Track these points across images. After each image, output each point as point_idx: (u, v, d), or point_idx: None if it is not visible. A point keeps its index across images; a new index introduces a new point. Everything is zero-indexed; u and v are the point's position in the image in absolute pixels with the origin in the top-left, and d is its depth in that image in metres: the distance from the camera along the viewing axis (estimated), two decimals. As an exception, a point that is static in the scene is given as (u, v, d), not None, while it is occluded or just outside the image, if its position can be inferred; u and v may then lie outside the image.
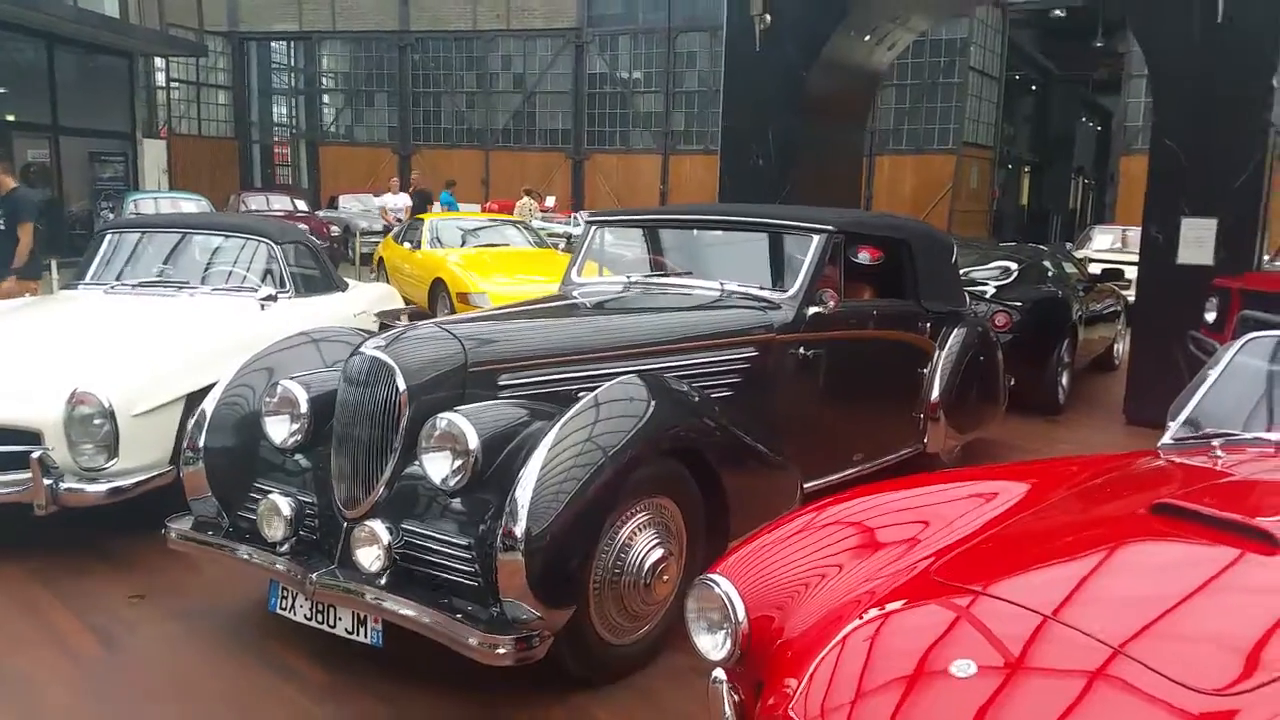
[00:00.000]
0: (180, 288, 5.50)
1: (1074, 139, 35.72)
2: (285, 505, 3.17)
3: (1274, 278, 6.81)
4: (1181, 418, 3.17)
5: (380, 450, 3.11)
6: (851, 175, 10.22)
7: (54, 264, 8.92)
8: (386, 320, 5.33)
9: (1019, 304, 7.45)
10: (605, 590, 3.02)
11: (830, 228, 4.41)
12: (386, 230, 15.04)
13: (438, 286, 10.02)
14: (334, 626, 3.09)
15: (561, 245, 13.97)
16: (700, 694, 2.22)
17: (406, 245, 11.69)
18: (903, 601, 2.07)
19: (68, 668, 3.23)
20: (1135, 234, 14.32)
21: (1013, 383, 6.02)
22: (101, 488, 3.95)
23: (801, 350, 4.26)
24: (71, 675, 3.19)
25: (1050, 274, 8.44)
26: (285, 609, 3.21)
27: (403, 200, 16.81)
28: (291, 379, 3.40)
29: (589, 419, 2.95)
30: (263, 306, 5.37)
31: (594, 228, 5.05)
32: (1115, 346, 9.64)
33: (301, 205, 20.20)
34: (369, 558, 2.96)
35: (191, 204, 16.31)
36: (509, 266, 10.23)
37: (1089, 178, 36.56)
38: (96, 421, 3.96)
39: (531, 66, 25.52)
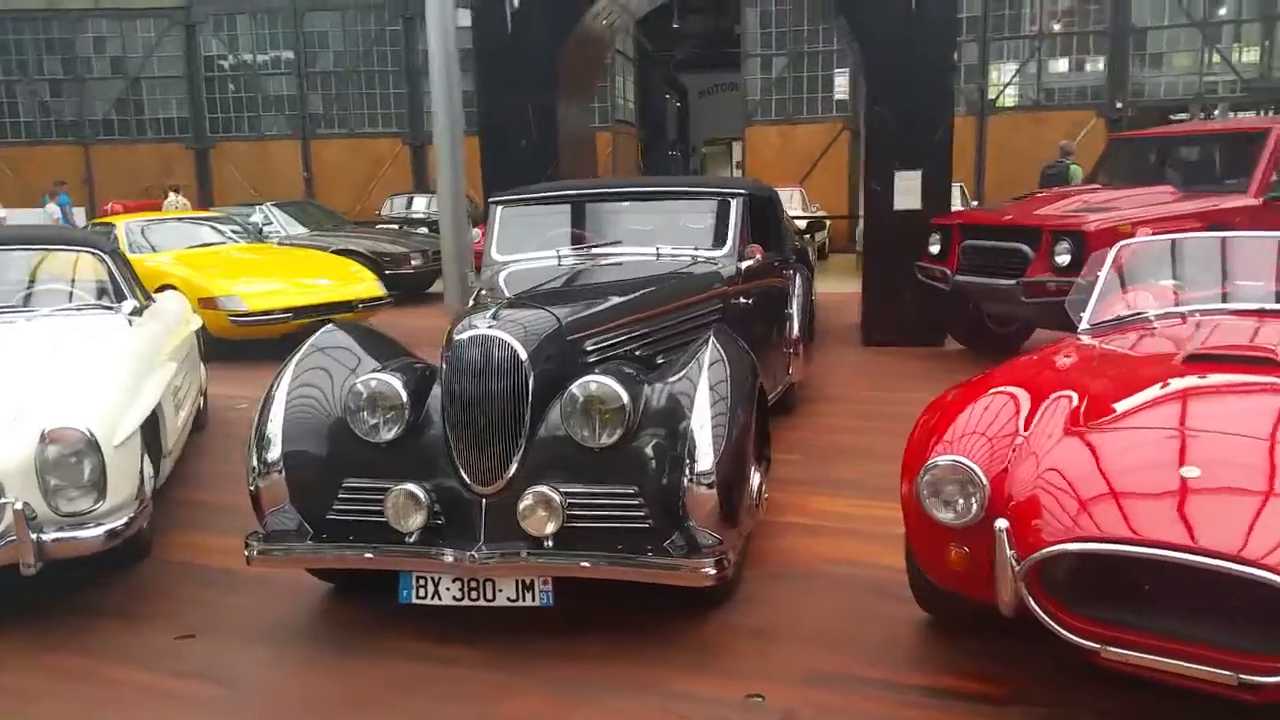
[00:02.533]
0: (13, 311, 4.85)
1: (665, 115, 38.97)
2: (421, 493, 3.20)
3: (980, 215, 8.50)
4: (1088, 312, 4.16)
5: (510, 424, 3.25)
6: (590, 150, 10.81)
7: None
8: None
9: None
10: (743, 512, 3.43)
11: (744, 191, 5.03)
12: None
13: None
14: (493, 600, 3.22)
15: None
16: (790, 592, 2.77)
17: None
18: (1078, 440, 2.76)
19: (197, 716, 3.02)
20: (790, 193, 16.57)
21: None
22: (97, 533, 3.55)
23: (740, 299, 4.85)
24: (213, 718, 3.00)
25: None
26: (424, 597, 3.25)
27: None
28: (373, 376, 3.38)
29: (722, 371, 3.35)
30: (130, 322, 4.91)
31: (499, 208, 5.22)
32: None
33: None
34: (541, 523, 3.13)
35: None
36: (258, 269, 9.65)
37: (675, 149, 40.35)
38: (74, 460, 3.56)
39: (133, 49, 23.01)
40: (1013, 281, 7.01)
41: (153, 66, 23.10)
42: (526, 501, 3.14)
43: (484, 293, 4.65)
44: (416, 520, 3.21)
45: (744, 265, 4.88)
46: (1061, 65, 19.98)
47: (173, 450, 4.72)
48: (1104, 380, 3.20)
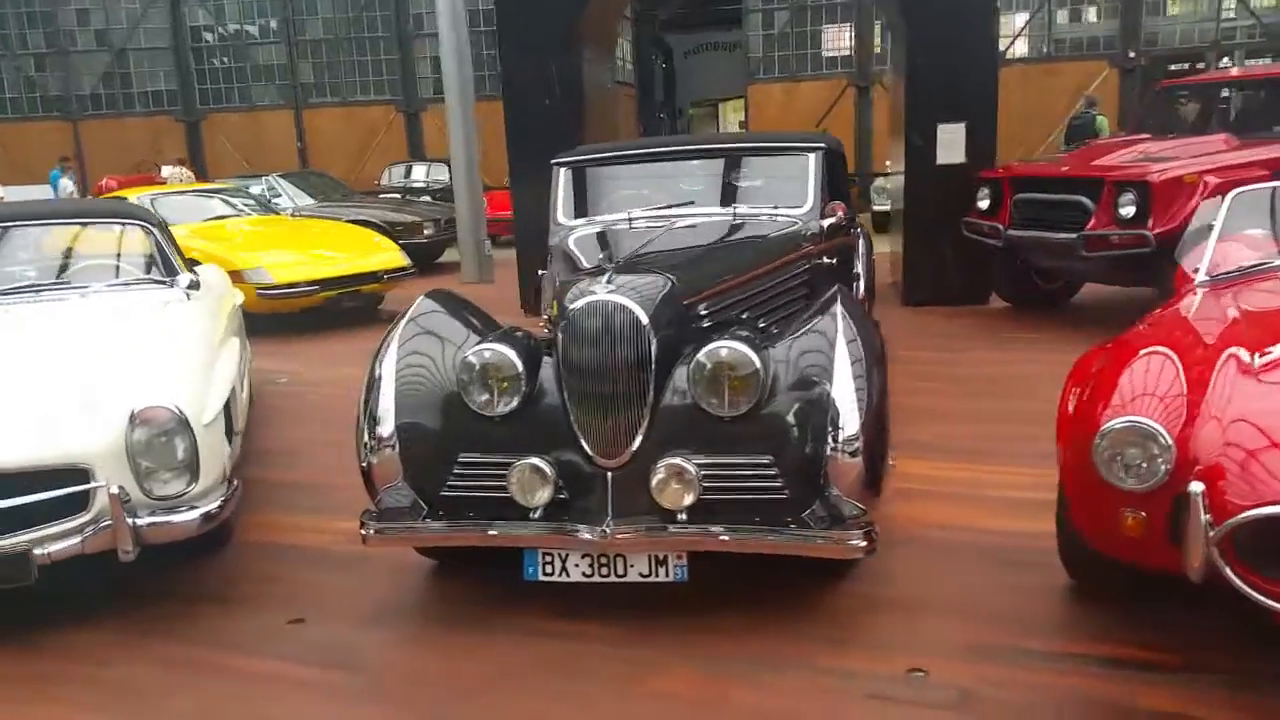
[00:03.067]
0: (63, 289, 4.68)
1: (652, 76, 38.51)
2: (547, 467, 3.08)
3: (1033, 167, 8.32)
4: (1204, 263, 4.03)
5: (633, 393, 3.12)
6: (615, 110, 10.60)
7: None
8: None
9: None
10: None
11: (823, 145, 4.87)
12: None
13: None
14: (623, 575, 3.10)
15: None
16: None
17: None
18: (1260, 398, 2.66)
19: (338, 704, 2.89)
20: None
21: None
22: (191, 516, 3.41)
23: (824, 259, 4.71)
24: (356, 705, 2.88)
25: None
26: (551, 574, 3.14)
27: None
28: (486, 346, 3.24)
29: (853, 332, 3.21)
30: (189, 296, 4.75)
31: (562, 170, 5.05)
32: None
33: None
34: (677, 496, 3.01)
35: None
36: (280, 241, 9.47)
37: (662, 112, 39.94)
38: (165, 441, 3.41)
39: (116, 20, 22.51)
40: (1073, 235, 6.88)
41: (139, 38, 22.64)
42: (660, 474, 3.02)
43: (559, 257, 4.52)
44: (543, 495, 3.09)
45: (826, 223, 4.74)
46: (1067, 15, 19.74)
47: (243, 429, 4.58)
48: (1263, 333, 3.08)
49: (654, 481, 3.02)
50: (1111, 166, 6.99)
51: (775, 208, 4.72)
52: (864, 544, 2.93)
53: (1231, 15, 18.72)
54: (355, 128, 22.40)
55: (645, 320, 3.14)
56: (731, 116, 27.89)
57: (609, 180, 5.09)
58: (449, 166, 19.36)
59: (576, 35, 8.90)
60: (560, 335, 3.21)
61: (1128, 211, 6.61)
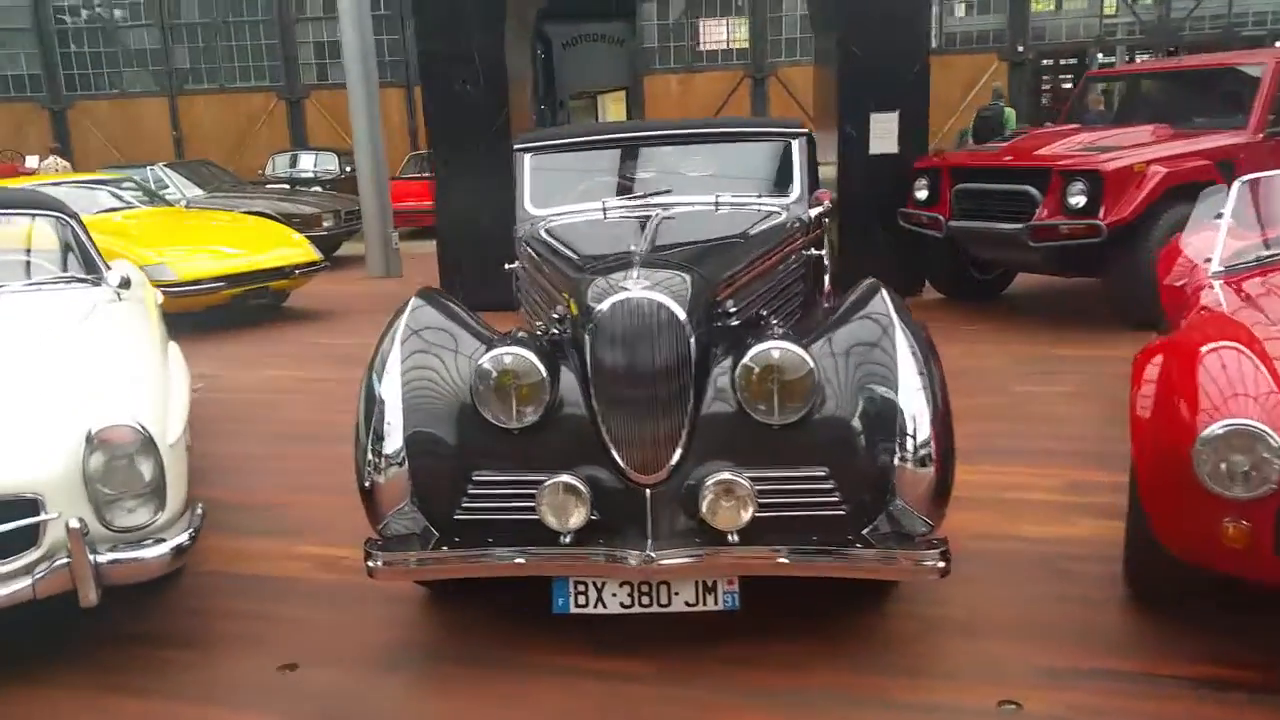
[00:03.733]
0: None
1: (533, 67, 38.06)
2: (581, 485, 2.76)
3: (970, 156, 8.32)
4: (1216, 254, 3.97)
5: (673, 400, 2.83)
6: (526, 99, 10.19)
7: None
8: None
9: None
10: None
11: (806, 130, 4.65)
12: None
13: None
14: (667, 605, 2.81)
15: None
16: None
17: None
18: None
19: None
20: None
21: None
22: (161, 551, 2.96)
23: (812, 250, 4.49)
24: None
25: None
26: (585, 605, 2.83)
27: None
28: (505, 350, 2.89)
29: (907, 326, 2.99)
30: (120, 296, 4.23)
31: (527, 156, 4.69)
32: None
33: None
34: (731, 516, 2.73)
35: None
36: (180, 235, 8.78)
37: (542, 104, 39.60)
38: (128, 464, 2.96)
39: (-34, -2, 20.82)
40: (1020, 225, 6.86)
41: (-5, 18, 20.99)
42: (710, 491, 2.74)
43: (536, 250, 4.18)
44: (577, 517, 2.76)
45: (814, 213, 4.52)
46: (962, 9, 20.20)
47: (191, 444, 4.09)
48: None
49: (704, 499, 2.74)
50: (1057, 156, 7.00)
51: (760, 196, 4.48)
52: (941, 564, 2.69)
53: (1113, 12, 19.47)
54: (234, 115, 21.29)
55: (684, 318, 2.85)
56: (612, 109, 27.65)
57: (577, 166, 4.76)
58: (338, 155, 18.96)
59: (498, 15, 8.49)
60: (587, 337, 2.88)
61: (1078, 201, 6.62)
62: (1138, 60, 17.34)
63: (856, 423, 2.84)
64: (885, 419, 2.81)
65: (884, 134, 8.44)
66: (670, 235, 3.74)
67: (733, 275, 3.39)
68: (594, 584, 2.82)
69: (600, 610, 2.82)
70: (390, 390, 2.94)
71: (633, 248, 3.33)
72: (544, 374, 2.86)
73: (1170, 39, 18.70)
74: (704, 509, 2.73)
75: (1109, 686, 2.68)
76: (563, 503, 2.76)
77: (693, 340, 2.85)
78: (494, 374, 2.86)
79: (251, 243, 8.94)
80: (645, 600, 2.81)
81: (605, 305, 2.86)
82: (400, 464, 2.87)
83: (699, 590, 2.81)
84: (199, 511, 3.20)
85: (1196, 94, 8.15)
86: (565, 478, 2.76)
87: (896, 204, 8.14)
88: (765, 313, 3.56)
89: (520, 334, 3.08)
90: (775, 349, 2.82)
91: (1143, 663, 2.79)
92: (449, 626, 3.18)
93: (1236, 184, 4.08)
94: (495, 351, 2.88)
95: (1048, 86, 20.13)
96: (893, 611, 3.13)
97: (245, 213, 10.89)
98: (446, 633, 3.15)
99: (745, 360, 2.82)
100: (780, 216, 4.30)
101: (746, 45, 20.60)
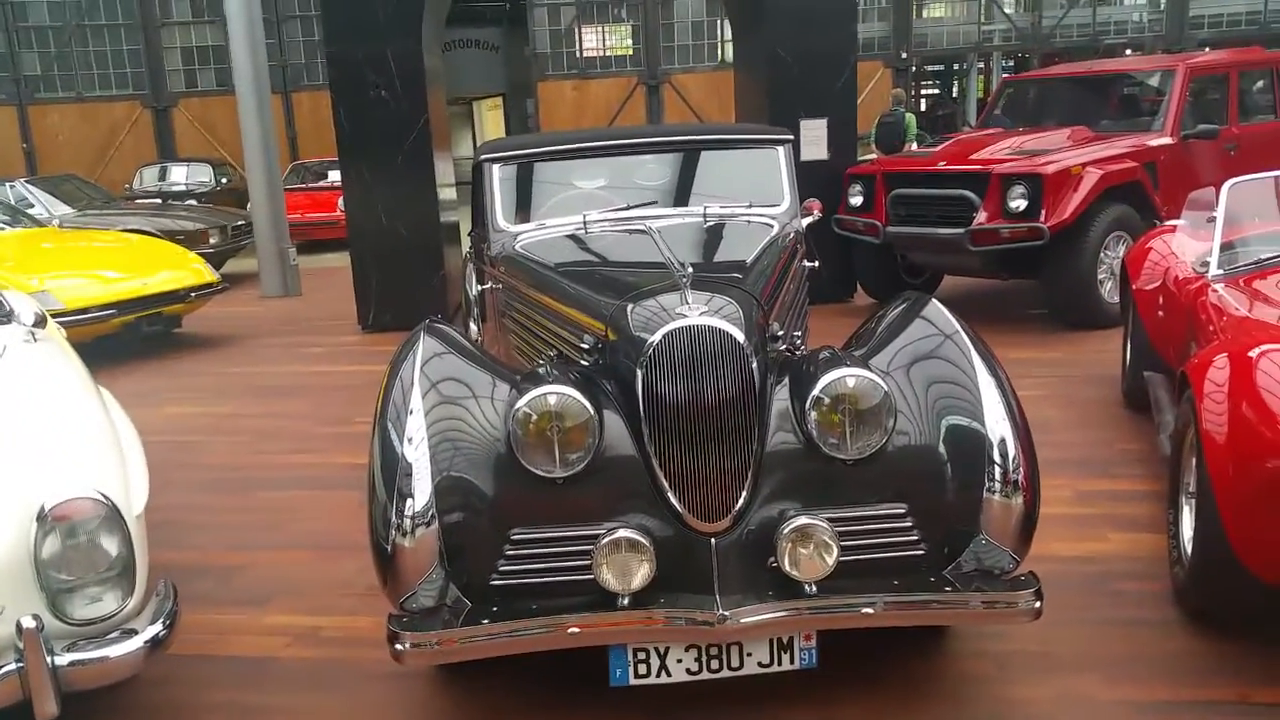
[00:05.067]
0: None
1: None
2: (643, 539, 2.43)
3: (906, 161, 8.28)
4: (1214, 258, 3.92)
5: (737, 437, 2.54)
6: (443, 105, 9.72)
7: None
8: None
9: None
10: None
11: (790, 136, 4.44)
12: None
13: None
14: (738, 668, 2.52)
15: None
16: None
17: None
18: None
19: None
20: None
21: None
22: (134, 646, 2.47)
23: (806, 263, 4.28)
24: None
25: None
26: (647, 674, 2.50)
27: None
28: (548, 390, 2.53)
29: (974, 344, 2.78)
30: (33, 336, 3.66)
31: (495, 167, 4.30)
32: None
33: None
34: (814, 563, 2.45)
35: None
36: (61, 259, 7.99)
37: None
38: (91, 542, 2.48)
39: None
40: (959, 230, 6.82)
41: None
42: (788, 538, 2.45)
43: (517, 271, 3.83)
44: (641, 576, 2.43)
45: (805, 223, 4.30)
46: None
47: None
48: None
49: (781, 547, 2.45)
50: (993, 160, 7.00)
51: (750, 206, 4.22)
52: (1037, 604, 2.48)
53: (988, 22, 20.11)
54: (94, 126, 19.92)
55: (745, 344, 2.56)
56: (488, 117, 27.24)
57: (549, 177, 4.40)
58: (212, 166, 17.97)
59: (415, 14, 8.01)
60: (640, 371, 2.56)
61: (1018, 205, 6.61)
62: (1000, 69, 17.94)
63: (937, 452, 2.61)
64: (969, 445, 2.59)
65: (814, 140, 8.33)
66: (687, 251, 3.44)
67: (770, 295, 3.14)
68: (656, 650, 2.49)
69: (664, 680, 2.50)
70: (412, 439, 2.54)
71: (677, 267, 2.98)
72: (591, 413, 2.52)
73: (1042, 45, 19.41)
74: (783, 558, 2.45)
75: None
76: (624, 560, 2.43)
77: (755, 368, 2.57)
78: (534, 417, 2.51)
79: (140, 265, 8.20)
80: (715, 664, 2.51)
81: (660, 334, 2.56)
82: (428, 524, 2.48)
83: (773, 649, 2.52)
84: (169, 595, 2.72)
85: (1103, 98, 8.35)
86: (627, 532, 2.43)
87: (829, 210, 8.03)
88: (798, 334, 3.31)
89: (549, 369, 2.73)
90: (850, 376, 2.56)
91: (1235, 690, 2.64)
92: (472, 710, 2.77)
93: (1227, 186, 4.03)
94: (536, 392, 2.52)
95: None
96: (960, 650, 2.91)
97: (124, 231, 10.09)
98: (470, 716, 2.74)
99: (816, 391, 2.55)
100: (774, 228, 4.07)
101: (631, 53, 20.46)
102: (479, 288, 4.31)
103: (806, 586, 2.46)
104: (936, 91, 26.37)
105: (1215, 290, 3.74)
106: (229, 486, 4.78)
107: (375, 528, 2.51)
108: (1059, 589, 3.20)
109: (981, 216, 6.75)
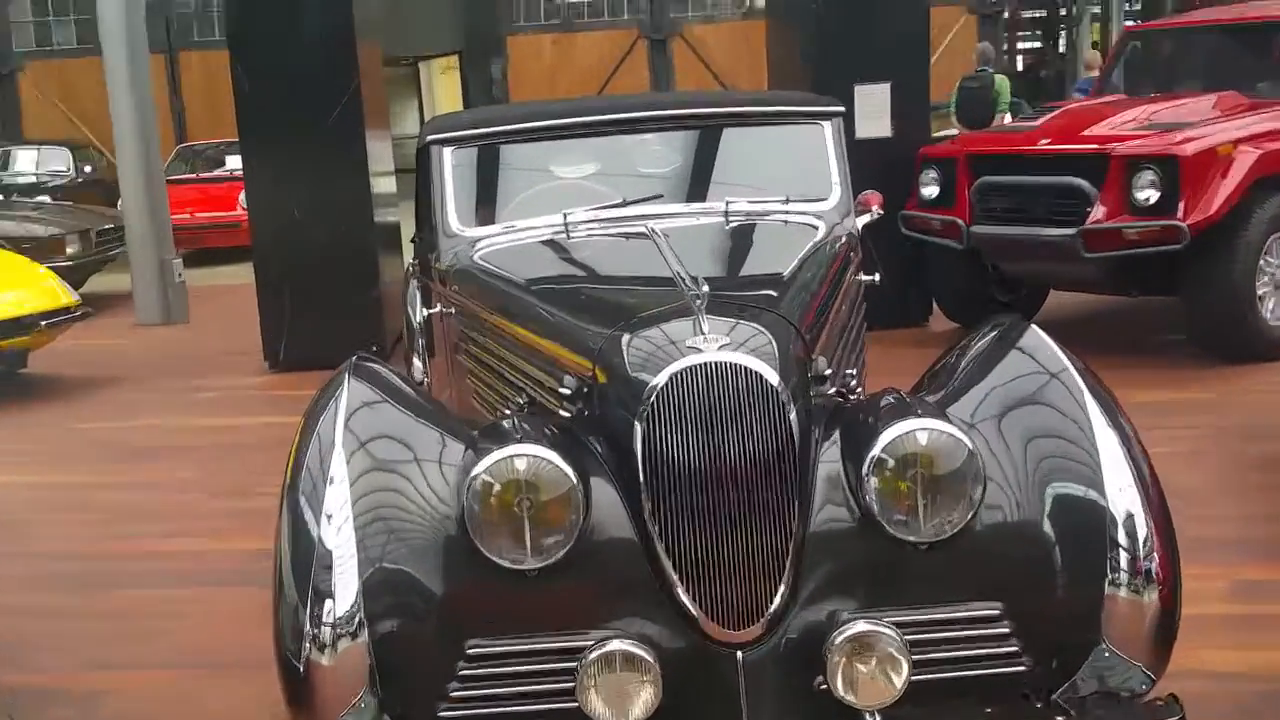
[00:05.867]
0: None
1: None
2: (644, 652, 2.44)
3: (994, 139, 8.37)
4: None
5: (775, 508, 2.55)
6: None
7: None
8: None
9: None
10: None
11: (840, 108, 4.51)
12: None
13: None
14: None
15: None
16: None
17: None
18: None
19: None
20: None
21: None
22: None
23: (862, 274, 4.32)
24: None
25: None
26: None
27: None
28: (513, 452, 2.54)
29: (1090, 389, 2.81)
30: None
31: (447, 150, 4.33)
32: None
33: None
34: (879, 685, 2.45)
35: None
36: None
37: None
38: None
39: None
40: (1068, 232, 6.88)
41: None
42: (841, 650, 2.45)
43: (479, 289, 3.87)
44: (642, 704, 2.43)
45: (861, 222, 4.35)
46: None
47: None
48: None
49: (833, 662, 2.45)
50: (1114, 136, 7.09)
51: (787, 200, 4.26)
52: (1169, 733, 2.50)
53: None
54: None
55: (781, 387, 2.58)
56: (441, 81, 27.77)
57: (518, 163, 4.46)
58: (71, 152, 18.21)
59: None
60: (638, 424, 2.57)
61: (1147, 196, 6.67)
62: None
63: (1041, 531, 2.63)
64: (1084, 522, 2.61)
65: (873, 111, 8.46)
66: (702, 263, 3.48)
67: (815, 320, 3.18)
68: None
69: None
70: (333, 518, 2.55)
71: (689, 284, 3.00)
72: (574, 482, 2.53)
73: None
74: (834, 677, 2.45)
75: None
76: (620, 684, 2.43)
77: (794, 419, 2.59)
78: (496, 487, 2.51)
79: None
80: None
81: (665, 375, 2.57)
82: (355, 634, 2.48)
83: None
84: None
85: (1261, 54, 8.43)
86: (622, 644, 2.44)
87: (896, 205, 8.12)
88: (852, 372, 3.35)
89: (517, 423, 2.74)
90: (921, 430, 2.57)
91: None
92: None
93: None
94: (500, 454, 2.53)
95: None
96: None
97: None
98: None
99: (877, 450, 2.56)
100: (819, 231, 4.11)
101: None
102: (425, 312, 4.37)
103: (868, 716, 2.47)
104: (1038, 45, 26.68)
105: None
106: (78, 584, 4.85)
107: (283, 639, 2.52)
108: (1213, 718, 3.23)
109: (1099, 212, 6.84)
